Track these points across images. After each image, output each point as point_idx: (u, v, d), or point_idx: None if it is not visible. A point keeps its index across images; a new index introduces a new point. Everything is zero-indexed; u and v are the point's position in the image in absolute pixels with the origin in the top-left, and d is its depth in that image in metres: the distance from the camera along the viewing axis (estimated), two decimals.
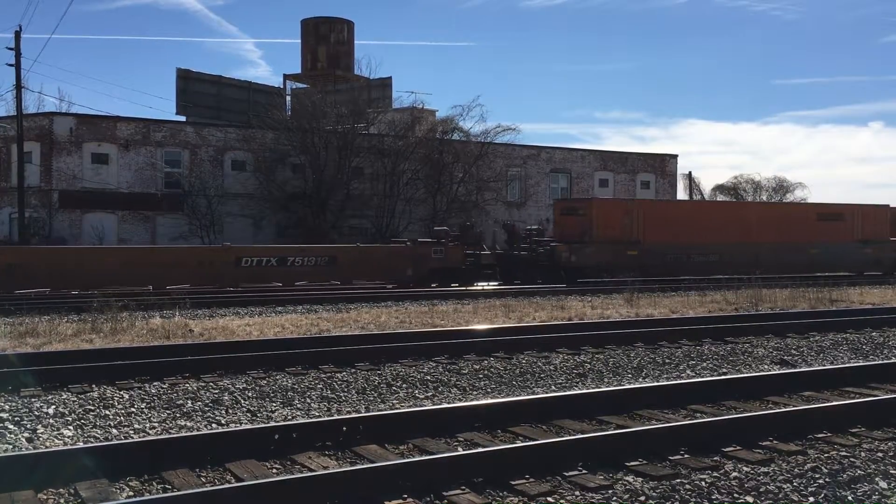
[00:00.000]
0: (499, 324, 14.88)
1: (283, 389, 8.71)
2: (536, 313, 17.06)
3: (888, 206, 36.72)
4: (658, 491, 5.31)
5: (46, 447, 6.39)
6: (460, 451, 6.20)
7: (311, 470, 5.68)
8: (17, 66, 35.58)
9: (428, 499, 5.16)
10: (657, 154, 54.65)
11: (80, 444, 6.45)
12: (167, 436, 6.51)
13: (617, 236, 29.69)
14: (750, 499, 5.20)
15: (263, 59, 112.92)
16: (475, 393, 8.78)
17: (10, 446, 6.51)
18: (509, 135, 46.02)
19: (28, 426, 7.11)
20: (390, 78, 47.65)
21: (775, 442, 6.44)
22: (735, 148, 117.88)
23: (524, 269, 29.06)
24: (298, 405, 8.04)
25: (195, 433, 6.64)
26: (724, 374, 9.96)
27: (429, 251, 27.42)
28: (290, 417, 7.54)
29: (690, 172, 67.54)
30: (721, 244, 31.25)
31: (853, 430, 6.85)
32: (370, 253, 28.04)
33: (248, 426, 6.96)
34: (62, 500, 5.20)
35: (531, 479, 5.44)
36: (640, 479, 5.54)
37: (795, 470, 5.80)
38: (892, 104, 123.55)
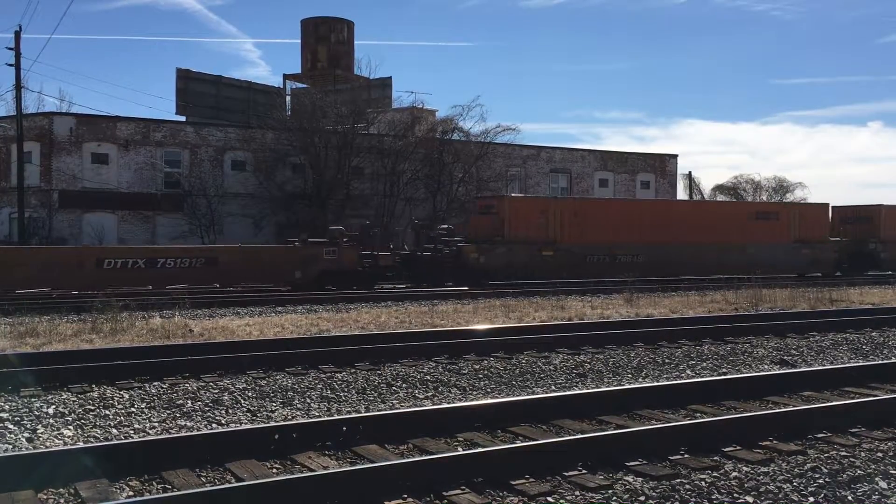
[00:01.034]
0: (499, 324, 14.89)
1: (283, 389, 8.71)
2: (536, 313, 17.06)
3: (827, 204, 35.84)
4: (658, 491, 5.31)
5: (46, 447, 6.39)
6: (460, 451, 6.20)
7: (311, 470, 5.68)
8: (17, 66, 35.58)
9: (428, 499, 5.16)
10: (657, 154, 54.66)
11: (80, 444, 6.45)
12: (167, 436, 6.51)
13: (531, 236, 28.33)
14: (750, 499, 5.20)
15: (263, 59, 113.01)
16: (475, 393, 8.78)
17: (10, 446, 6.51)
18: (509, 135, 46.03)
19: (28, 426, 7.11)
20: (390, 78, 47.68)
21: (775, 442, 6.44)
22: (734, 148, 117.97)
23: (428, 270, 27.58)
24: (298, 405, 8.04)
25: (195, 433, 6.64)
26: (724, 374, 9.96)
27: (320, 252, 25.47)
28: (290, 417, 7.54)
29: (690, 172, 67.66)
30: (649, 244, 30.11)
31: (853, 430, 6.85)
32: (254, 254, 26.26)
33: (248, 426, 6.96)
34: (62, 500, 5.20)
35: (531, 479, 5.44)
36: (640, 479, 5.54)
37: (795, 470, 5.80)
38: (891, 104, 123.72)
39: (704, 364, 10.70)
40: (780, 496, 5.25)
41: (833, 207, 38.14)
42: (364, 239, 27.33)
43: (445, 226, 31.26)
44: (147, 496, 5.12)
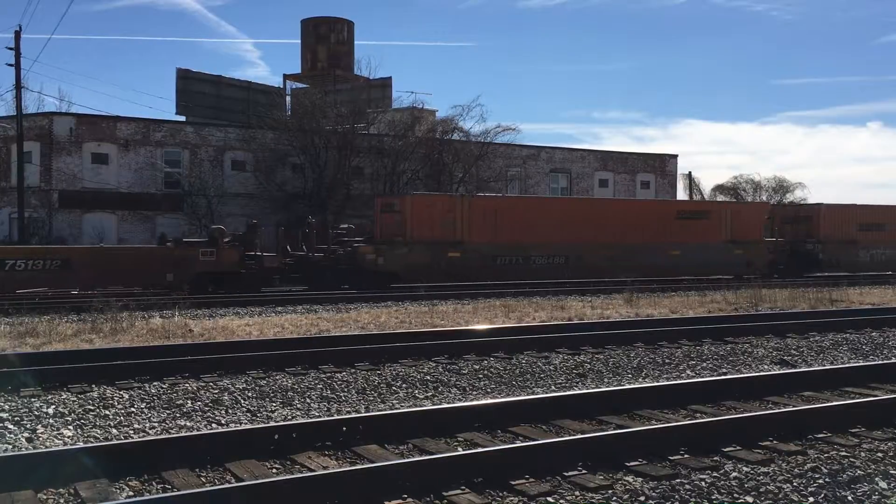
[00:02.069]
0: (498, 324, 14.89)
1: (283, 389, 8.71)
2: (536, 313, 17.06)
3: (765, 203, 34.59)
4: (658, 491, 5.31)
5: (46, 447, 6.39)
6: (460, 451, 6.20)
7: (311, 470, 5.68)
8: (17, 66, 35.57)
9: (428, 499, 5.15)
10: (657, 154, 54.67)
11: (80, 444, 6.45)
12: (167, 436, 6.51)
13: (436, 236, 26.57)
14: (750, 499, 5.20)
15: (262, 59, 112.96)
16: (475, 393, 8.78)
17: (10, 446, 6.51)
18: (509, 135, 46.03)
19: (28, 426, 7.11)
20: (390, 78, 47.66)
21: (775, 442, 6.44)
22: (734, 148, 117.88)
23: (320, 273, 25.76)
24: (298, 405, 8.04)
25: (195, 433, 6.64)
26: (724, 374, 9.96)
27: (195, 253, 23.62)
28: (289, 417, 7.54)
29: (690, 172, 67.61)
30: (569, 245, 28.40)
31: (853, 430, 6.85)
32: (115, 255, 24.58)
33: (248, 426, 6.96)
34: (62, 500, 5.19)
35: (531, 479, 5.44)
36: (640, 479, 5.54)
37: (795, 470, 5.80)
38: (890, 104, 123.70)
39: (704, 364, 10.70)
40: (780, 496, 5.25)
41: (774, 207, 37.23)
42: (249, 239, 25.29)
43: (346, 225, 29.81)
44: (147, 496, 5.12)
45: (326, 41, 50.75)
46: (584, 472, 5.64)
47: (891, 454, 6.22)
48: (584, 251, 28.53)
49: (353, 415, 7.23)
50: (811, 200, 60.70)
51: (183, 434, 6.59)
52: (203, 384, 8.97)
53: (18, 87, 35.66)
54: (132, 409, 7.78)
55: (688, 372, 10.19)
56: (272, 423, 6.92)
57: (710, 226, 31.57)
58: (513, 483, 5.36)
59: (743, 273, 30.89)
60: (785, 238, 34.41)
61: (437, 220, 26.68)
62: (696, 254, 30.37)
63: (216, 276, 23.89)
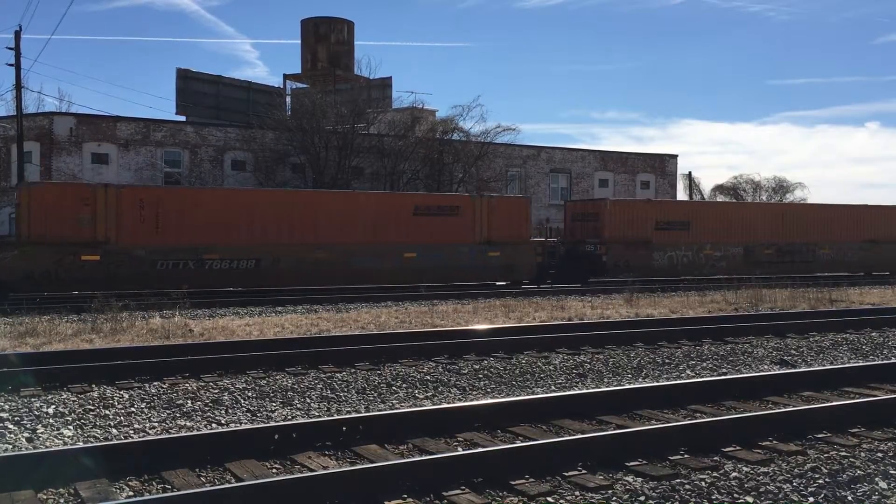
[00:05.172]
0: (498, 324, 14.89)
1: (283, 389, 8.71)
2: (536, 313, 17.06)
3: (526, 198, 29.73)
4: (658, 491, 5.31)
5: (46, 447, 6.39)
6: (460, 451, 6.20)
7: (311, 470, 5.68)
8: (17, 66, 35.57)
9: (428, 499, 5.16)
10: (657, 154, 54.65)
11: (80, 444, 6.45)
12: (167, 436, 6.51)
13: (66, 235, 21.63)
14: (750, 499, 5.20)
15: (261, 59, 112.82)
16: (475, 393, 8.78)
17: (10, 446, 6.51)
18: (509, 135, 46.01)
19: (28, 426, 7.11)
20: (390, 78, 47.65)
21: (775, 442, 6.44)
22: (732, 148, 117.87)
23: None
24: (298, 405, 8.04)
25: (195, 433, 6.63)
26: (724, 374, 9.96)
27: None
28: (289, 417, 7.54)
29: (690, 172, 67.63)
30: (261, 246, 23.84)
31: (853, 430, 6.85)
32: None
33: (248, 426, 6.95)
34: (62, 500, 5.19)
35: (531, 479, 5.44)
36: (640, 479, 5.54)
37: (795, 470, 5.80)
38: (888, 104, 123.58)
39: (704, 364, 10.70)
40: (780, 496, 5.25)
41: (568, 203, 33.35)
42: None
43: None
44: (147, 496, 5.12)
45: (326, 41, 50.74)
46: (584, 472, 5.64)
47: (891, 454, 6.22)
48: (281, 253, 23.97)
49: (353, 415, 7.23)
50: (811, 200, 60.86)
51: (183, 434, 6.59)
52: (203, 384, 8.97)
53: (18, 87, 35.67)
54: (132, 409, 7.79)
55: (688, 372, 10.19)
56: (272, 423, 6.92)
57: (460, 224, 26.60)
58: (513, 483, 5.36)
59: (500, 279, 27.06)
60: (576, 238, 30.26)
61: (68, 215, 21.72)
62: (437, 257, 25.84)
63: None
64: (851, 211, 35.28)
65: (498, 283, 26.86)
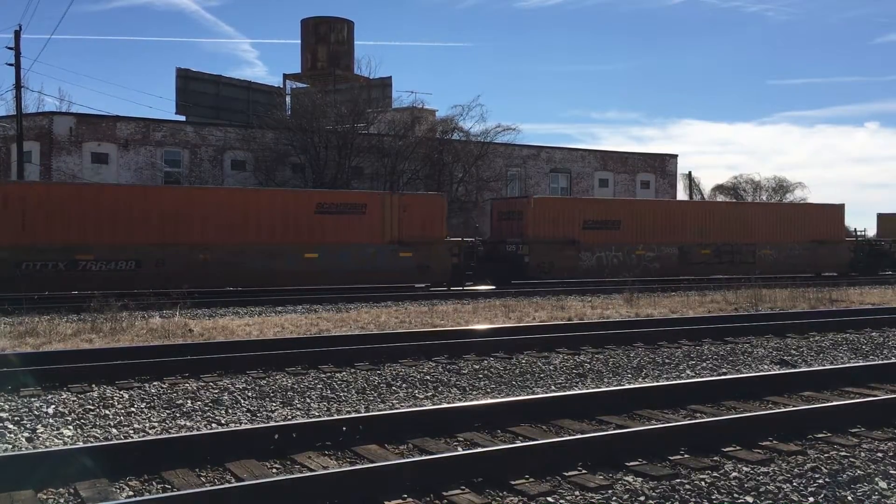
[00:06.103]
0: (498, 324, 14.89)
1: (283, 389, 8.71)
2: (536, 313, 17.06)
3: (440, 195, 28.35)
4: (658, 491, 5.31)
5: (46, 447, 6.38)
6: (460, 451, 6.20)
7: (311, 470, 5.68)
8: (17, 66, 35.58)
9: (428, 499, 5.15)
10: (657, 154, 54.64)
11: (80, 444, 6.45)
12: (167, 435, 6.51)
13: None
14: (750, 499, 5.20)
15: (260, 59, 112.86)
16: (475, 393, 8.78)
17: (10, 446, 6.51)
18: (509, 135, 46.02)
19: (28, 426, 7.11)
20: (390, 78, 47.66)
21: (775, 442, 6.44)
22: (732, 148, 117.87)
23: None
24: (298, 405, 8.04)
25: (195, 433, 6.63)
26: (724, 374, 9.96)
27: None
28: (289, 417, 7.54)
29: (690, 172, 67.60)
30: (143, 246, 22.40)
31: (853, 430, 6.85)
32: None
33: (248, 426, 6.95)
34: (62, 500, 5.19)
35: (531, 479, 5.44)
36: (640, 479, 5.54)
37: (795, 470, 5.80)
38: (887, 104, 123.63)
39: (704, 364, 10.70)
40: (780, 496, 5.25)
41: (493, 201, 32.25)
42: None
43: None
44: (147, 496, 5.11)
45: (326, 41, 50.74)
46: (584, 472, 5.64)
47: (891, 454, 6.22)
48: (165, 254, 22.61)
49: (353, 415, 7.22)
50: (811, 200, 60.83)
51: (183, 434, 6.59)
52: (203, 384, 8.97)
53: (18, 86, 35.67)
54: (132, 409, 7.78)
55: (688, 372, 10.19)
56: (272, 423, 6.92)
57: (367, 223, 25.42)
58: (513, 483, 5.36)
59: (412, 281, 25.94)
60: (500, 238, 29.25)
61: None
62: (342, 257, 24.73)
63: None
64: (796, 210, 34.31)
65: (418, 286, 25.84)
